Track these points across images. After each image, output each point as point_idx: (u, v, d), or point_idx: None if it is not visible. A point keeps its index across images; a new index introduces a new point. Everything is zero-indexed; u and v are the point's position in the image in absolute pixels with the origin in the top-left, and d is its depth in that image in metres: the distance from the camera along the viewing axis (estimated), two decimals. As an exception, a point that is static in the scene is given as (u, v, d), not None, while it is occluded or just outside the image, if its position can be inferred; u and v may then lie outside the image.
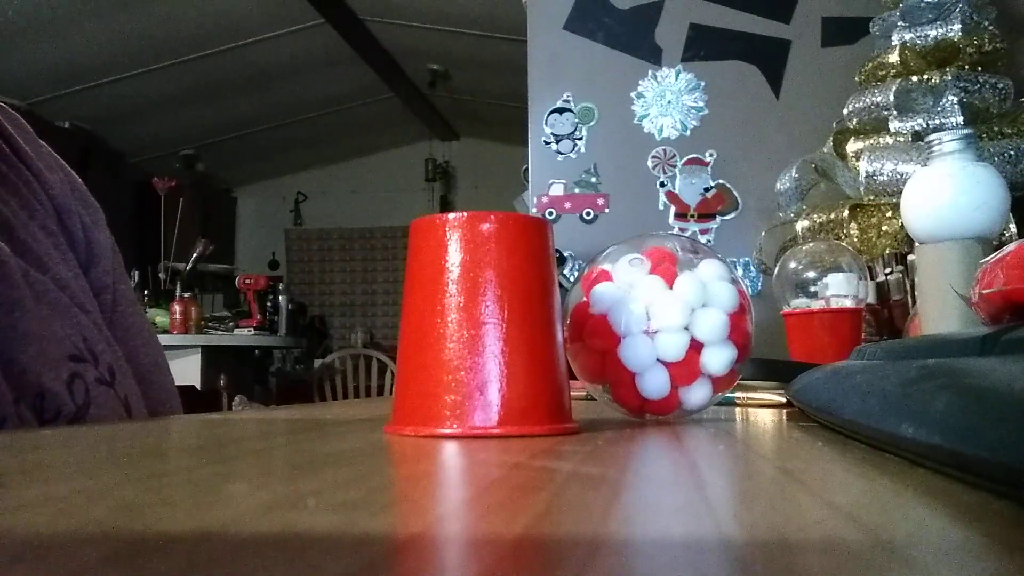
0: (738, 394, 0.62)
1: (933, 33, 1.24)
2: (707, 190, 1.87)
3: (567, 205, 1.91)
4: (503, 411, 0.37)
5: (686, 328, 0.45)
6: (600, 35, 1.92)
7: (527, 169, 1.98)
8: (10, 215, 0.52)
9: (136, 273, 3.75)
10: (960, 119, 1.16)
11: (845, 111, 1.34)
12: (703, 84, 1.89)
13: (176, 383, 0.66)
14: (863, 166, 1.20)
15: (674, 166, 1.88)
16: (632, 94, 1.90)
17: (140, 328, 0.61)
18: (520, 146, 2.12)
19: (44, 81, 4.12)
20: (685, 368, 0.45)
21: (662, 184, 1.88)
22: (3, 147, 0.55)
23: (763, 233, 1.60)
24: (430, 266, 0.39)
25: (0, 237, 0.50)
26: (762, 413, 0.57)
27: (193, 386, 3.38)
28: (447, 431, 0.37)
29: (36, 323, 0.48)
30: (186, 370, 3.41)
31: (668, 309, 0.45)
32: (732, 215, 1.86)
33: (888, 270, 1.18)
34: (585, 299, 0.48)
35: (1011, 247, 0.46)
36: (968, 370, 0.26)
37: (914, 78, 1.23)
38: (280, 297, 3.96)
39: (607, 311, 0.46)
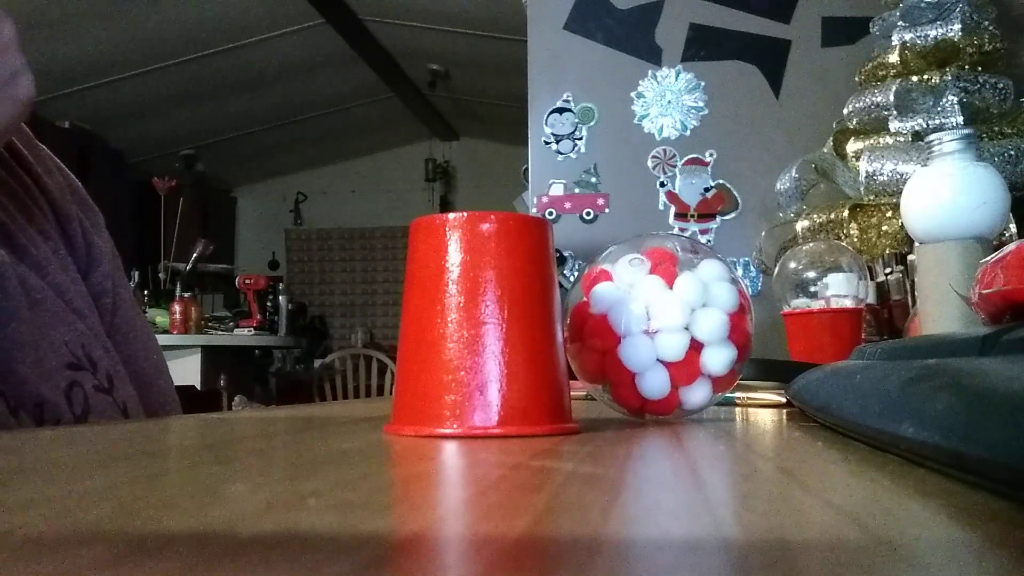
0: (738, 394, 0.62)
1: (933, 33, 1.24)
2: (707, 190, 1.87)
3: (567, 205, 1.91)
4: (503, 411, 0.37)
5: (686, 328, 0.45)
6: (600, 35, 1.92)
7: (527, 169, 1.98)
8: (8, 220, 0.52)
9: (136, 273, 3.75)
10: (960, 119, 1.16)
11: (845, 111, 1.34)
12: (703, 84, 1.89)
13: (176, 383, 0.66)
14: (863, 166, 1.20)
15: (674, 166, 1.88)
16: (632, 94, 1.90)
17: (140, 332, 0.61)
18: (520, 146, 2.12)
19: (44, 81, 4.10)
20: (685, 368, 0.45)
21: (662, 184, 1.88)
22: (2, 152, 0.54)
23: (763, 233, 1.60)
24: (430, 266, 0.39)
25: None
26: (762, 413, 0.57)
27: (193, 386, 3.38)
28: (447, 431, 0.37)
29: (33, 332, 0.48)
30: (186, 370, 3.41)
31: (668, 309, 0.45)
32: (732, 215, 1.86)
33: (888, 270, 1.18)
34: (585, 299, 0.47)
35: (1011, 247, 0.46)
36: (968, 370, 0.26)
37: (914, 78, 1.23)
38: (280, 297, 3.96)
39: (607, 311, 0.46)
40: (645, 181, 1.89)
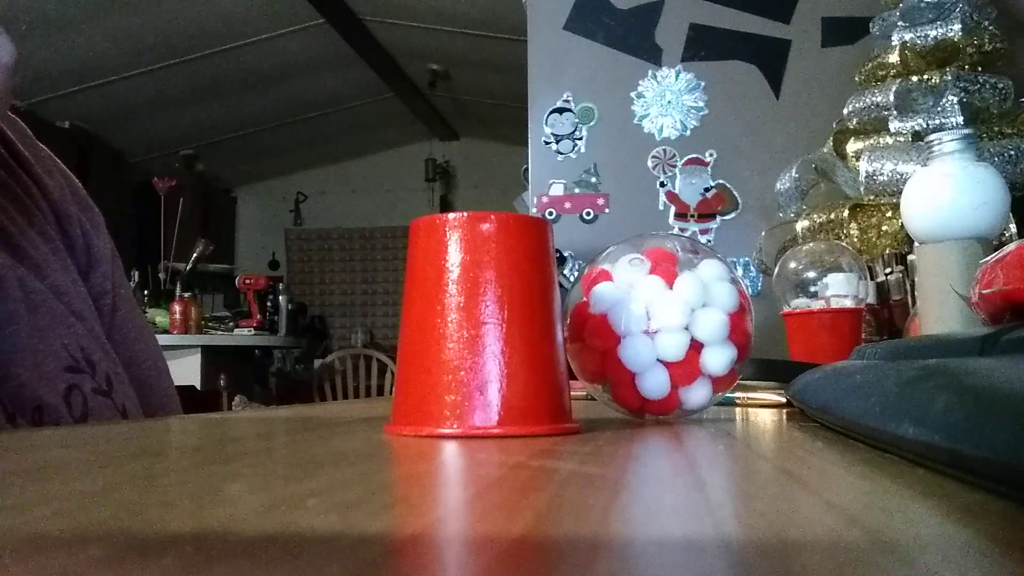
0: (738, 394, 0.62)
1: (933, 33, 1.24)
2: (707, 190, 1.87)
3: (567, 205, 1.91)
4: (503, 411, 0.37)
5: (686, 328, 0.45)
6: (600, 35, 1.92)
7: (527, 169, 1.98)
8: (8, 221, 0.52)
9: (136, 273, 3.75)
10: (960, 119, 1.16)
11: (845, 111, 1.34)
12: (703, 84, 1.89)
13: (176, 383, 0.66)
14: (863, 166, 1.20)
15: (674, 166, 1.88)
16: (632, 94, 1.90)
17: (140, 333, 0.61)
18: (520, 146, 2.12)
19: (44, 81, 4.12)
20: (685, 368, 0.45)
21: (662, 184, 1.88)
22: (2, 152, 0.54)
23: (763, 233, 1.60)
24: (430, 266, 0.39)
25: None
26: (762, 413, 0.57)
27: (193, 386, 3.38)
28: (447, 431, 0.37)
29: (32, 335, 0.48)
30: (186, 370, 3.41)
31: (668, 309, 0.45)
32: (732, 215, 1.86)
33: (888, 270, 1.18)
34: (585, 299, 0.47)
35: (1011, 247, 0.46)
36: (968, 370, 0.26)
37: (914, 78, 1.23)
38: (280, 297, 3.96)
39: (607, 311, 0.46)
40: (645, 181, 1.89)
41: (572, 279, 1.55)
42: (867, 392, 0.33)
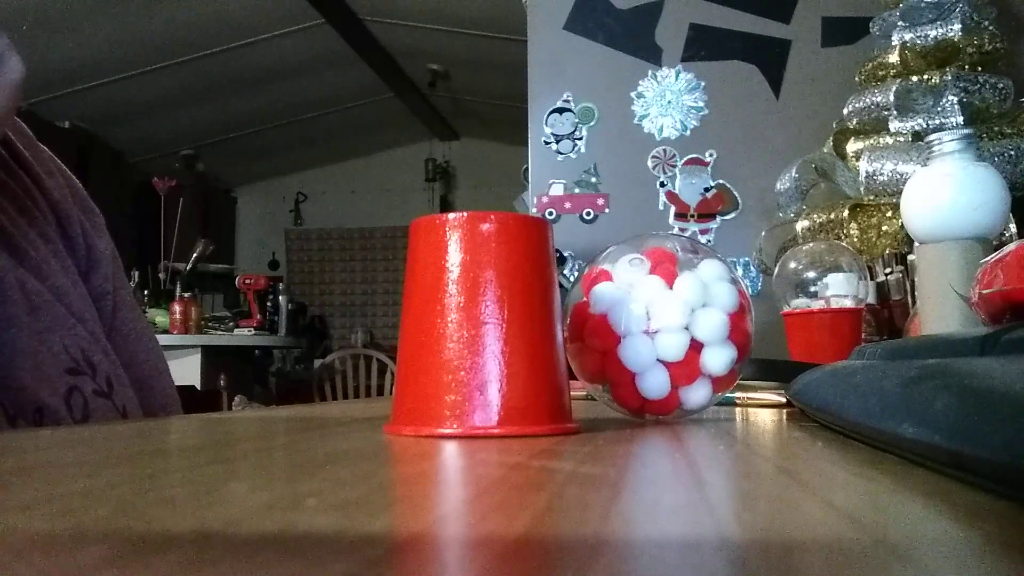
0: (738, 394, 0.62)
1: (933, 33, 1.24)
2: (707, 190, 1.87)
3: (567, 205, 1.91)
4: (503, 411, 0.37)
5: (686, 328, 0.45)
6: (600, 35, 1.92)
7: (527, 169, 1.98)
8: (8, 223, 0.52)
9: (136, 273, 3.75)
10: (960, 119, 1.16)
11: (845, 111, 1.34)
12: (703, 84, 1.89)
13: (176, 383, 0.66)
14: (863, 166, 1.20)
15: (674, 166, 1.88)
16: (632, 94, 1.90)
17: (140, 334, 0.61)
18: (520, 146, 2.12)
19: (44, 81, 4.12)
20: (685, 368, 0.45)
21: (662, 184, 1.88)
22: (2, 153, 0.54)
23: (763, 233, 1.60)
24: (430, 266, 0.39)
25: None
26: (762, 413, 0.57)
27: (193, 386, 3.38)
28: (447, 431, 0.37)
29: (33, 337, 0.48)
30: (186, 370, 3.41)
31: (668, 309, 0.45)
32: (732, 215, 1.86)
33: (888, 270, 1.18)
34: (585, 299, 0.48)
35: (1011, 247, 0.46)
36: (968, 370, 0.26)
37: (914, 78, 1.23)
38: (280, 297, 3.96)
39: (607, 311, 0.46)
40: (645, 181, 1.89)
41: (572, 279, 1.55)
42: (867, 392, 0.33)
